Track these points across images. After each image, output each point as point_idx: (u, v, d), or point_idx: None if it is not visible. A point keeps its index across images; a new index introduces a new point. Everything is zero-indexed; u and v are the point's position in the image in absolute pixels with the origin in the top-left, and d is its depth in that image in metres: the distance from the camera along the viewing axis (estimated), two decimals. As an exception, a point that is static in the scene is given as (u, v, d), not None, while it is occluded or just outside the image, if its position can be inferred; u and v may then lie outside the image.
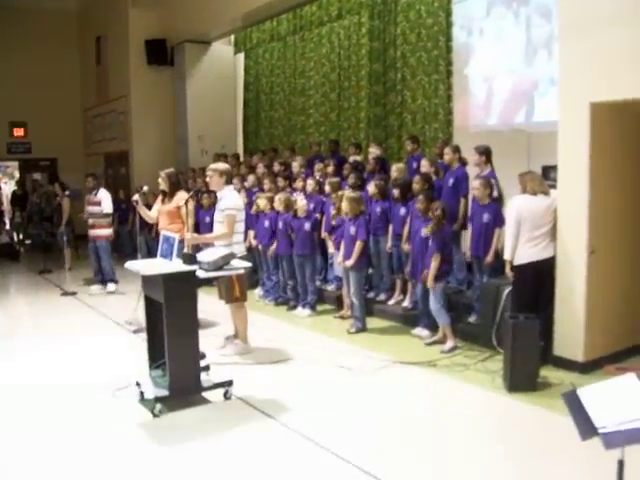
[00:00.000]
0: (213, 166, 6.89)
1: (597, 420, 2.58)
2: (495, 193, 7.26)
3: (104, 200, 10.39)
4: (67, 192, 11.48)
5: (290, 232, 8.69)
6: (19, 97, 17.16)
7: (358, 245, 7.60)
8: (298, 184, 9.53)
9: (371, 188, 8.29)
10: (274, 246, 9.02)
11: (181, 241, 5.78)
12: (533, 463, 4.38)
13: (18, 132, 18.17)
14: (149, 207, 8.19)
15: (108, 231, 10.52)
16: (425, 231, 6.94)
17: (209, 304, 7.18)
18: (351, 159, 9.92)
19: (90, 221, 10.44)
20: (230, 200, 6.63)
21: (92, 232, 10.48)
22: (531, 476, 4.19)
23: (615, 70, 5.57)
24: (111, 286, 10.60)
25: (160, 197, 7.86)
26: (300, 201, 8.56)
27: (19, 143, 18.23)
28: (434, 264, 6.81)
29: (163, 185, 7.70)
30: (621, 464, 2.66)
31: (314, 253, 8.72)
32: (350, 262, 7.63)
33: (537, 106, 8.80)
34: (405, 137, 10.01)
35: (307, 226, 8.49)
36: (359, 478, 4.18)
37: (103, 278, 10.65)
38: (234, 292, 6.70)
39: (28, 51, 17.36)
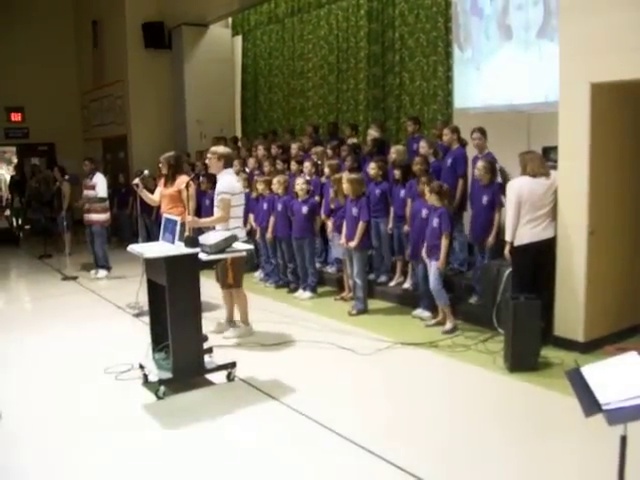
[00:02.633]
0: (213, 149, 6.88)
1: (601, 397, 2.60)
2: (499, 178, 7.26)
3: (98, 184, 10.34)
4: (66, 177, 11.45)
5: (290, 214, 8.70)
6: (16, 82, 17.04)
7: (361, 226, 7.61)
8: (294, 167, 9.51)
9: (372, 169, 8.28)
10: (270, 230, 9.02)
11: (182, 224, 5.78)
12: (535, 441, 4.41)
13: (15, 117, 18.09)
14: (150, 191, 8.18)
15: (103, 216, 10.46)
16: (430, 202, 6.95)
17: (211, 287, 7.20)
18: (349, 142, 9.90)
19: (86, 206, 10.44)
20: (225, 184, 6.59)
21: (87, 217, 10.46)
22: (533, 454, 4.22)
23: (616, 50, 5.55)
24: (102, 272, 10.61)
25: (162, 180, 7.86)
26: (300, 184, 8.54)
27: (16, 128, 18.15)
28: (444, 244, 6.82)
29: (164, 169, 7.70)
30: (624, 440, 2.69)
31: (313, 236, 8.72)
32: (354, 243, 7.65)
33: (537, 87, 8.76)
34: (406, 118, 9.98)
35: (304, 209, 8.49)
36: (363, 458, 4.22)
37: (97, 263, 10.68)
38: (227, 279, 6.73)
39: (24, 35, 17.24)
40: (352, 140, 10.00)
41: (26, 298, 10.00)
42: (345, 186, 7.76)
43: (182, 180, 7.48)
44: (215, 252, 5.42)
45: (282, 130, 13.17)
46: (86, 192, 10.43)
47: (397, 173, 8.07)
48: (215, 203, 6.73)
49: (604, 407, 2.56)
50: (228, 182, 6.65)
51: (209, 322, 6.39)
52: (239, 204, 6.73)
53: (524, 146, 7.60)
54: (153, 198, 7.84)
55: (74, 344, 6.95)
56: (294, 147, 10.34)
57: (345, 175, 7.95)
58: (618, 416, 2.53)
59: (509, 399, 5.32)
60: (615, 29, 5.54)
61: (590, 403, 2.62)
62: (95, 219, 10.40)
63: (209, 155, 6.80)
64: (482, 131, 7.53)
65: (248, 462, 4.22)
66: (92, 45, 17.56)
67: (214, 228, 6.67)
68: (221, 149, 6.89)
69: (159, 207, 7.88)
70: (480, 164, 7.14)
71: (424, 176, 7.29)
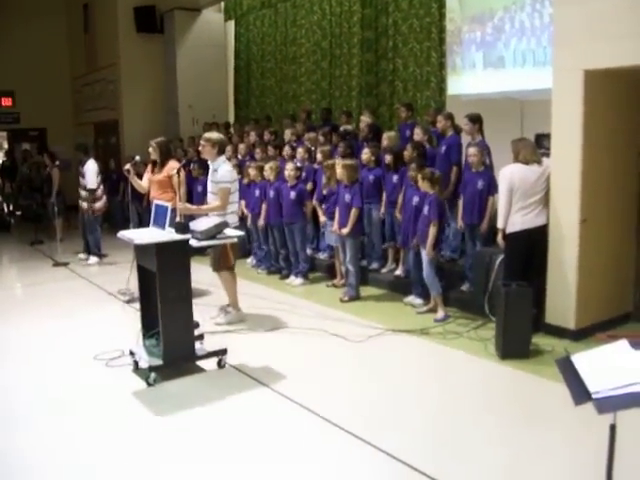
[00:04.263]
0: (206, 135, 6.86)
1: (590, 385, 2.60)
2: (488, 161, 7.26)
3: (87, 173, 10.28)
4: (57, 162, 11.38)
5: (282, 200, 8.66)
6: (6, 66, 16.89)
7: (354, 212, 7.59)
8: (286, 152, 9.47)
9: (365, 155, 8.25)
10: (262, 217, 8.99)
11: (173, 210, 5.75)
12: (525, 429, 4.42)
13: (6, 102, 17.94)
14: (140, 177, 8.13)
15: (97, 205, 10.41)
16: (422, 188, 6.93)
17: (202, 274, 7.18)
18: (342, 128, 9.86)
19: (80, 193, 10.40)
20: (225, 173, 6.61)
21: (81, 203, 10.45)
22: (523, 441, 4.23)
23: (609, 37, 5.52)
24: (93, 259, 10.60)
25: (150, 166, 7.79)
26: (289, 169, 8.49)
27: (7, 113, 18.00)
28: (432, 232, 6.81)
29: (154, 154, 7.63)
30: (613, 428, 2.69)
31: (303, 221, 8.67)
32: (346, 230, 7.63)
33: (530, 73, 8.74)
34: (399, 104, 9.93)
35: (292, 194, 8.46)
36: (354, 444, 4.22)
37: (88, 250, 10.65)
38: (228, 260, 6.71)
39: (15, 19, 17.08)
40: (345, 126, 9.96)
41: (17, 284, 9.95)
42: (339, 171, 7.72)
43: (172, 166, 7.43)
44: (206, 238, 5.41)
45: (274, 116, 13.12)
46: (81, 180, 10.39)
47: (388, 158, 8.04)
48: (211, 190, 6.70)
49: (594, 396, 2.55)
50: (227, 171, 6.65)
51: (201, 308, 6.36)
52: (235, 190, 6.74)
53: (517, 133, 7.57)
54: (142, 184, 7.77)
55: (64, 330, 6.93)
56: (287, 133, 10.29)
57: (339, 160, 7.92)
58: (607, 405, 2.52)
59: (500, 386, 5.33)
60: (608, 16, 5.52)
61: (580, 391, 2.61)
62: (87, 207, 10.36)
63: (202, 142, 6.77)
64: (471, 118, 7.44)
65: (238, 449, 4.22)
66: (83, 29, 17.42)
67: (206, 214, 6.64)
68: (215, 135, 6.88)
69: (149, 193, 7.81)
70: (471, 150, 7.11)
71: (416, 163, 7.26)
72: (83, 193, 10.35)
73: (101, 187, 10.56)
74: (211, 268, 6.94)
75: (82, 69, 17.79)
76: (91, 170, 10.33)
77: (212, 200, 6.70)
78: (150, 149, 7.64)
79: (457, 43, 9.88)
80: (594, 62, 5.70)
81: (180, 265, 5.33)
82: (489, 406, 4.87)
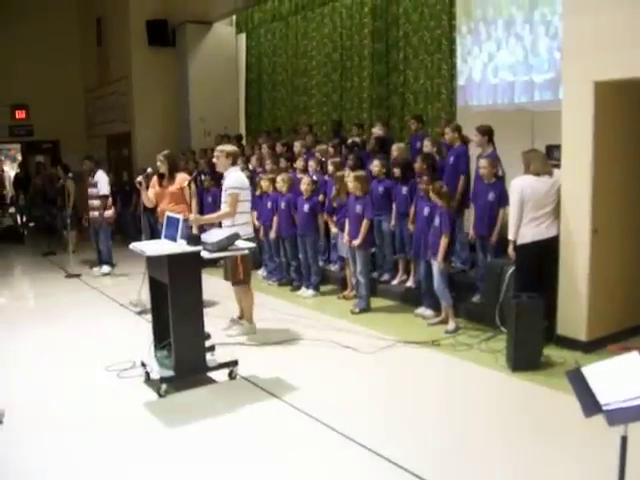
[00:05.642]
0: (220, 147, 6.93)
1: (601, 397, 2.59)
2: (500, 172, 7.26)
3: (100, 181, 10.42)
4: (70, 174, 11.48)
5: (294, 212, 8.69)
6: (20, 79, 17.06)
7: (365, 224, 7.61)
8: (298, 164, 9.51)
9: (376, 167, 8.27)
10: (274, 230, 9.01)
11: (186, 221, 5.78)
12: (536, 441, 4.40)
13: (20, 114, 18.10)
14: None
15: (107, 213, 10.52)
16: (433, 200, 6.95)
17: (213, 285, 7.20)
18: (349, 140, 9.89)
19: (89, 203, 10.49)
20: (233, 179, 6.64)
21: (91, 214, 10.54)
22: (534, 454, 4.21)
23: (619, 49, 5.52)
24: (105, 268, 10.66)
25: (156, 179, 7.81)
26: (306, 183, 8.52)
27: (21, 126, 18.17)
28: (443, 243, 6.81)
29: (162, 167, 7.67)
30: (624, 440, 2.68)
31: (315, 234, 8.69)
32: (357, 242, 7.64)
33: (541, 85, 8.75)
34: (409, 116, 9.96)
35: (306, 207, 8.48)
36: (365, 457, 4.22)
37: (100, 260, 10.71)
38: (237, 274, 6.73)
39: (29, 33, 17.24)
40: (352, 138, 9.99)
41: (29, 295, 10.02)
42: (352, 184, 7.72)
43: (183, 177, 7.48)
44: (217, 250, 5.43)
45: (286, 128, 13.17)
46: (89, 190, 10.47)
47: (396, 171, 8.05)
48: (224, 200, 6.74)
49: (604, 407, 2.54)
50: (237, 177, 6.69)
51: (212, 319, 6.38)
52: (247, 199, 6.77)
53: (527, 144, 7.57)
54: (150, 197, 7.77)
55: (76, 341, 6.96)
56: (297, 145, 10.34)
57: (352, 173, 7.93)
58: (618, 416, 2.52)
59: (511, 398, 5.32)
60: (618, 27, 5.52)
61: (590, 403, 2.61)
62: (98, 216, 10.43)
63: (217, 153, 6.82)
64: (481, 130, 7.44)
65: (249, 460, 4.22)
66: (96, 42, 17.60)
67: (220, 224, 6.68)
68: (229, 147, 6.95)
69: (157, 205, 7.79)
70: (482, 162, 7.12)
71: (426, 175, 7.27)
72: (94, 202, 10.42)
73: (110, 197, 10.66)
74: (229, 281, 6.95)
75: (95, 82, 17.95)
76: (103, 177, 10.49)
77: (224, 208, 6.73)
78: (158, 162, 7.68)
79: (467, 53, 9.90)
80: (604, 73, 5.70)
81: (192, 277, 5.36)
82: (500, 418, 4.85)
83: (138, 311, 7.92)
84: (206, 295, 5.65)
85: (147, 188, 7.75)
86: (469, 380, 5.66)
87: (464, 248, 8.02)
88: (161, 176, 7.72)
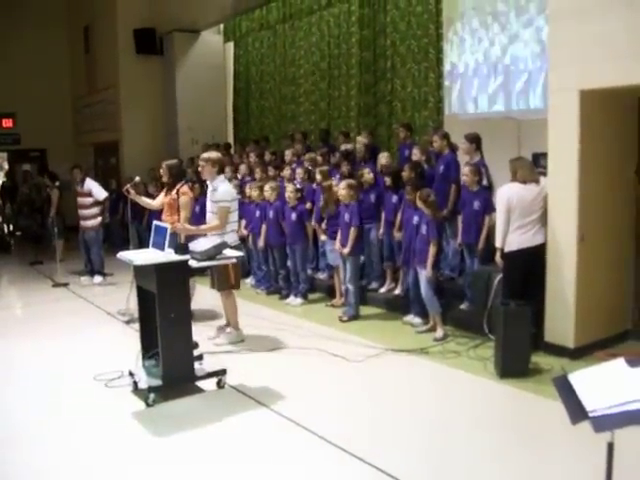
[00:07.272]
0: (205, 155, 6.87)
1: (587, 404, 2.60)
2: (485, 181, 7.30)
3: (93, 188, 10.41)
4: (57, 183, 11.43)
5: (282, 221, 8.69)
6: (7, 87, 16.93)
7: (353, 232, 7.62)
8: (285, 172, 9.51)
9: (368, 174, 8.30)
10: (262, 238, 9.00)
11: (172, 233, 5.74)
12: (523, 448, 4.41)
13: (7, 123, 17.98)
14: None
15: (96, 222, 10.50)
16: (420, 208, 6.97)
17: (201, 294, 7.19)
18: (342, 147, 9.91)
19: (79, 213, 10.44)
20: (224, 192, 6.63)
21: (82, 223, 10.51)
22: (521, 461, 4.22)
23: (604, 58, 5.57)
24: (97, 278, 10.64)
25: (165, 188, 7.71)
26: (289, 191, 8.53)
27: (7, 134, 18.05)
28: (432, 251, 6.83)
29: (164, 177, 7.56)
30: (611, 447, 2.69)
31: (304, 242, 8.71)
32: (347, 250, 7.66)
33: (527, 94, 8.80)
34: (397, 125, 10.00)
35: (293, 216, 8.49)
36: (353, 465, 4.21)
37: (92, 269, 10.67)
38: (229, 279, 6.71)
39: (16, 41, 17.19)
40: (345, 146, 10.01)
41: (17, 305, 9.95)
42: (344, 192, 7.72)
43: (182, 190, 7.35)
44: (205, 259, 5.42)
45: (274, 136, 13.17)
46: (79, 199, 10.42)
47: (387, 180, 8.08)
48: (210, 210, 6.72)
49: (590, 414, 2.55)
50: (226, 190, 6.68)
51: (200, 329, 6.37)
52: (234, 209, 6.77)
53: (514, 152, 7.62)
54: (152, 203, 7.63)
55: (64, 351, 6.92)
56: (288, 153, 10.35)
57: (344, 181, 7.94)
58: (604, 423, 2.53)
59: (499, 405, 5.33)
60: (604, 36, 5.57)
61: (577, 410, 2.61)
62: (90, 225, 10.42)
63: (202, 162, 6.77)
64: (468, 138, 7.50)
65: (237, 469, 4.21)
66: (84, 51, 17.57)
67: (205, 234, 6.65)
68: (214, 155, 6.90)
69: (151, 213, 7.76)
70: (464, 170, 7.18)
71: (413, 183, 7.29)
72: (84, 212, 10.38)
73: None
74: (215, 288, 6.92)
75: (82, 90, 17.89)
76: (95, 184, 10.52)
77: (211, 219, 6.72)
78: (161, 171, 7.60)
79: (454, 62, 9.95)
80: (590, 82, 5.75)
81: (179, 286, 5.35)
82: (488, 425, 4.86)
83: (126, 320, 7.89)
84: (194, 304, 5.65)
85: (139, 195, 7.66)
86: (457, 387, 5.67)
87: (455, 256, 8.03)
88: (165, 185, 7.61)
